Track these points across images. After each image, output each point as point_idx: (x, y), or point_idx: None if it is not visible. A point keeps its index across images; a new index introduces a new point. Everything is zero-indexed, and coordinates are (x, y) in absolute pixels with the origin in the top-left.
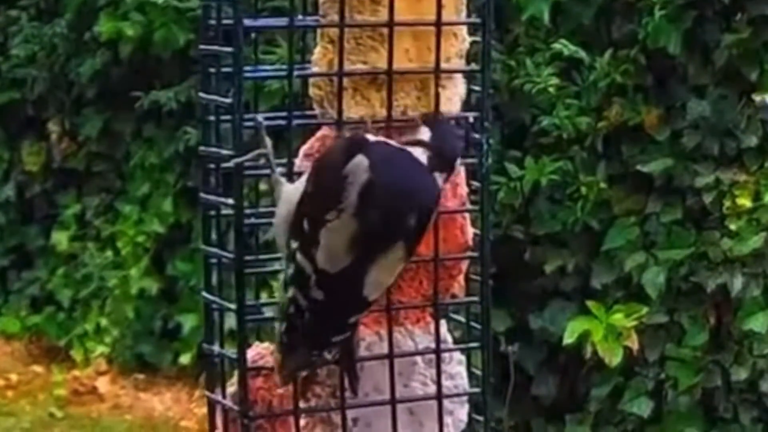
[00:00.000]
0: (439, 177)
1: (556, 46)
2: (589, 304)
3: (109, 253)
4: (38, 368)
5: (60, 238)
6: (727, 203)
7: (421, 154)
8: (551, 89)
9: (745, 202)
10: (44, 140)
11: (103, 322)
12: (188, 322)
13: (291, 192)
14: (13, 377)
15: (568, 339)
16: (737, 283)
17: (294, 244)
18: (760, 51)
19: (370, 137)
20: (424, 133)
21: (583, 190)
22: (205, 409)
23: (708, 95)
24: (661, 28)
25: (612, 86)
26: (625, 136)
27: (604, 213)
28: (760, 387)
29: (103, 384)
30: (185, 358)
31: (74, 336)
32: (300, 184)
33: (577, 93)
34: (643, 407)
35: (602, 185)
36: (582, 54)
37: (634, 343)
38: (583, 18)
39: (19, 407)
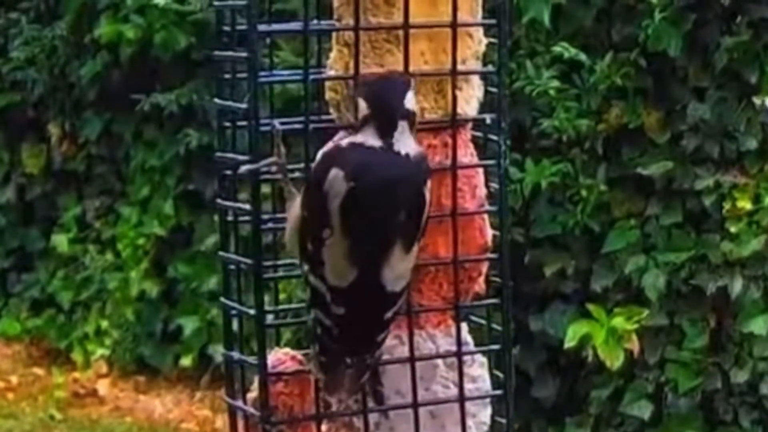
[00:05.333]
0: (404, 135)
1: (557, 48)
2: (590, 307)
3: (109, 256)
4: (38, 370)
5: (60, 241)
6: (727, 206)
7: (371, 133)
8: (551, 92)
9: (745, 204)
10: (44, 142)
11: (104, 324)
12: (189, 324)
13: (293, 214)
14: (14, 379)
15: (570, 342)
16: (737, 286)
17: (305, 267)
18: (760, 54)
19: (343, 143)
20: (363, 108)
21: (583, 192)
22: (205, 411)
23: (708, 98)
24: (661, 30)
25: (612, 89)
26: (625, 138)
27: (604, 216)
28: (760, 389)
29: (103, 386)
30: (186, 361)
31: (74, 338)
32: (297, 207)
33: (577, 95)
34: (643, 410)
35: (602, 188)
36: (582, 56)
37: (634, 346)
38: (583, 21)
39: (20, 409)
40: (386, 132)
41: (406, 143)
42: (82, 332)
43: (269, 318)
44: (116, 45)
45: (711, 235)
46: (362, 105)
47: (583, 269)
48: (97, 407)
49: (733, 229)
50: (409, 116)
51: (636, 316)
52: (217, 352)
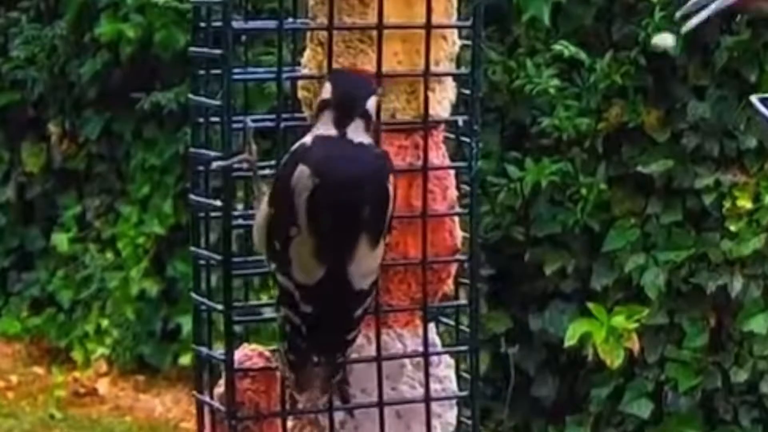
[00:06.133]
0: (358, 131)
1: (557, 47)
2: (590, 305)
3: (109, 255)
4: (38, 369)
5: (60, 240)
6: (727, 204)
7: (327, 119)
8: (551, 90)
9: (745, 203)
10: (44, 141)
11: (104, 323)
12: (188, 323)
13: (261, 212)
14: (14, 378)
15: (570, 341)
16: (737, 285)
17: (273, 265)
18: (759, 52)
19: (307, 139)
20: (326, 91)
21: (583, 191)
22: None
23: (708, 96)
24: (661, 29)
25: (612, 87)
26: (625, 137)
27: (604, 214)
28: (761, 388)
29: (103, 385)
30: (185, 360)
31: (74, 337)
32: (265, 204)
33: (577, 94)
34: (643, 408)
35: (602, 186)
36: (582, 55)
37: (634, 345)
38: (583, 19)
39: (20, 408)
40: (342, 123)
41: (360, 137)
42: (82, 331)
43: (270, 313)
44: (116, 44)
45: (711, 233)
46: (327, 88)
47: (583, 268)
48: (97, 406)
49: (733, 228)
50: (366, 117)
51: (636, 315)
52: (216, 351)
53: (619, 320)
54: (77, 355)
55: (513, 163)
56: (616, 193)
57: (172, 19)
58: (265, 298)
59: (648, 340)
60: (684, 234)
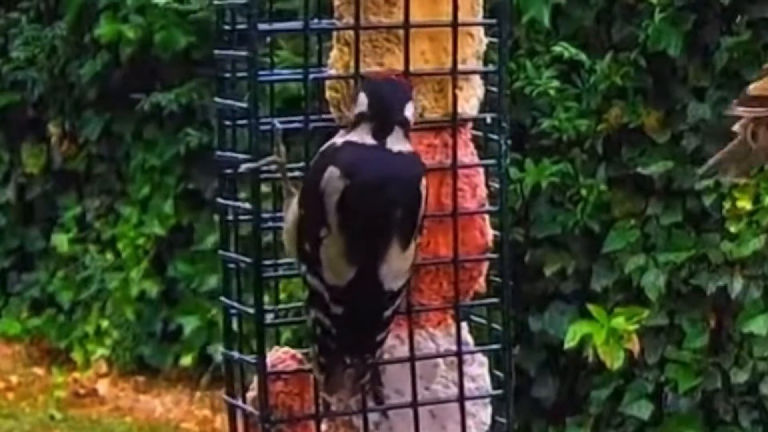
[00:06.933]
0: (398, 139)
1: (557, 48)
2: (590, 307)
3: (109, 256)
4: (38, 370)
5: (60, 240)
6: (727, 206)
7: (366, 133)
8: (551, 92)
9: (745, 204)
10: (44, 142)
11: (104, 324)
12: (189, 324)
13: (291, 214)
14: (14, 379)
15: (570, 342)
16: (737, 286)
17: (303, 267)
18: (760, 53)
19: (338, 141)
20: (362, 104)
21: (583, 192)
22: (205, 411)
23: (708, 98)
24: (661, 30)
25: (612, 89)
26: (625, 138)
27: (604, 215)
28: (761, 390)
29: (103, 386)
30: (186, 360)
31: (75, 338)
32: (294, 206)
33: (577, 95)
34: (643, 410)
35: (602, 188)
36: (582, 56)
37: (635, 346)
38: (583, 20)
39: (19, 409)
40: (381, 134)
41: (399, 145)
42: (82, 332)
43: (269, 317)
44: (116, 45)
45: (711, 234)
46: (363, 100)
47: (583, 269)
48: (97, 407)
49: (733, 229)
50: (405, 124)
51: (636, 316)
52: (218, 351)
53: (619, 321)
54: (77, 355)
55: (513, 164)
56: (616, 194)
57: (172, 20)
58: (266, 299)
59: (648, 341)
60: (684, 235)
